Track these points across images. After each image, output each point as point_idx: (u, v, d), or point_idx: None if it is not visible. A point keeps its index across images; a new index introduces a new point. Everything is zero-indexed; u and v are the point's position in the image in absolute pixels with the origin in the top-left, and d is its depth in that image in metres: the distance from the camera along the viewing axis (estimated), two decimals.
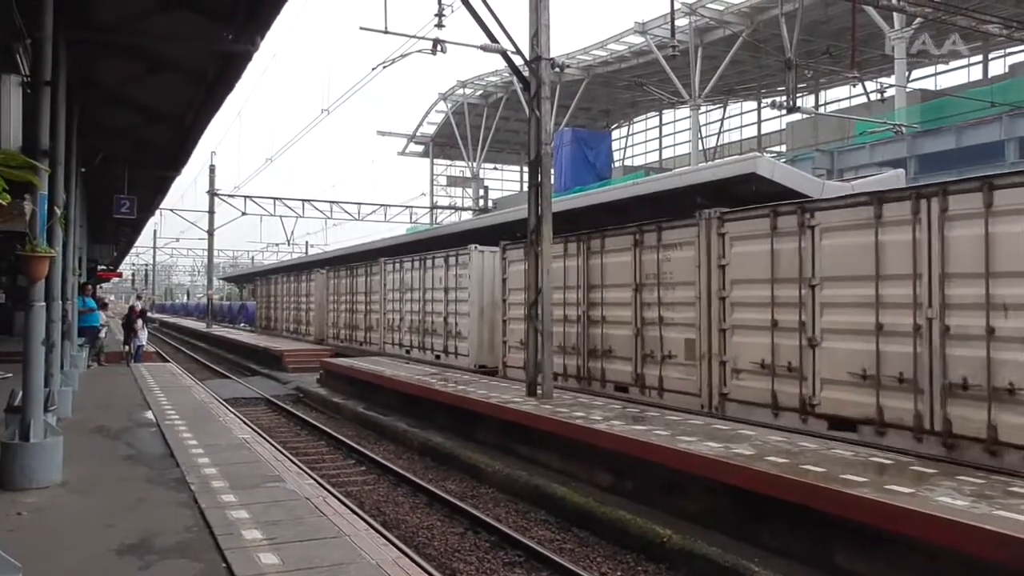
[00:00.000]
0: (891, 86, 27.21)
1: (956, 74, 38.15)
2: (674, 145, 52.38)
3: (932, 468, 6.76)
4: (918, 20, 24.99)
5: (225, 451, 7.98)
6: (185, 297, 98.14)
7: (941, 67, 38.79)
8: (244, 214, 37.83)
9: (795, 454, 7.31)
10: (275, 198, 39.00)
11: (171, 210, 39.20)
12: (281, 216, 40.47)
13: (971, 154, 23.02)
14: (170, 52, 9.69)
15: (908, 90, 28.90)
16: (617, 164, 48.31)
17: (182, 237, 59.90)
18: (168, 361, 23.78)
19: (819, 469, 6.67)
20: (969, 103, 23.85)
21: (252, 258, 77.82)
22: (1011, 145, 22.56)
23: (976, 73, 36.87)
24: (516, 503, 8.72)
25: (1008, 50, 33.29)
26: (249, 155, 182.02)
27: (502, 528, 7.59)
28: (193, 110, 11.90)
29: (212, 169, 36.42)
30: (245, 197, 37.94)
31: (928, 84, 36.96)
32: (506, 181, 61.93)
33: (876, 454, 7.37)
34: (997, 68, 34.96)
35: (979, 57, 36.92)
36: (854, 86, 38.52)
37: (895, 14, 25.95)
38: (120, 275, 56.71)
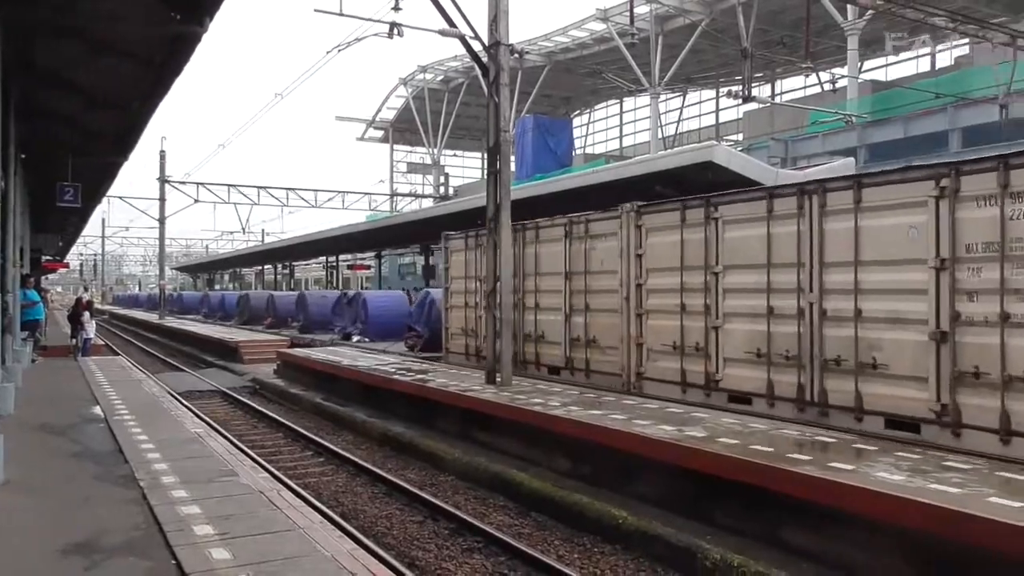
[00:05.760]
0: (843, 77, 27.73)
1: (905, 65, 38.98)
2: (634, 133, 52.71)
3: (873, 445, 6.96)
4: (870, 12, 25.45)
5: (177, 446, 7.82)
6: (136, 288, 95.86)
7: (891, 59, 39.61)
8: (197, 201, 36.99)
9: (745, 435, 7.46)
10: (229, 185, 38.20)
11: (120, 198, 38.17)
12: (236, 204, 39.70)
13: (918, 143, 23.57)
14: (115, 33, 9.35)
15: (860, 81, 29.47)
16: (578, 152, 48.43)
17: (132, 226, 58.55)
18: (118, 354, 23.24)
19: (768, 449, 6.80)
20: (917, 94, 24.42)
21: (206, 247, 76.38)
22: (955, 135, 23.16)
23: (924, 65, 37.73)
24: (475, 490, 8.72)
25: (955, 43, 34.09)
26: (201, 141, 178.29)
27: (461, 515, 7.60)
28: (140, 94, 11.54)
29: (162, 155, 35.53)
30: (198, 184, 37.09)
31: (879, 75, 37.76)
32: (467, 168, 61.69)
33: (822, 433, 7.58)
34: (945, 60, 35.82)
35: (927, 49, 37.77)
36: (808, 76, 39.11)
37: (848, 5, 26.39)
38: (67, 266, 55.23)
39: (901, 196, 7.70)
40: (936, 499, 5.22)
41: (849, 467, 6.15)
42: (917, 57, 38.16)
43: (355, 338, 22.68)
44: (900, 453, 6.64)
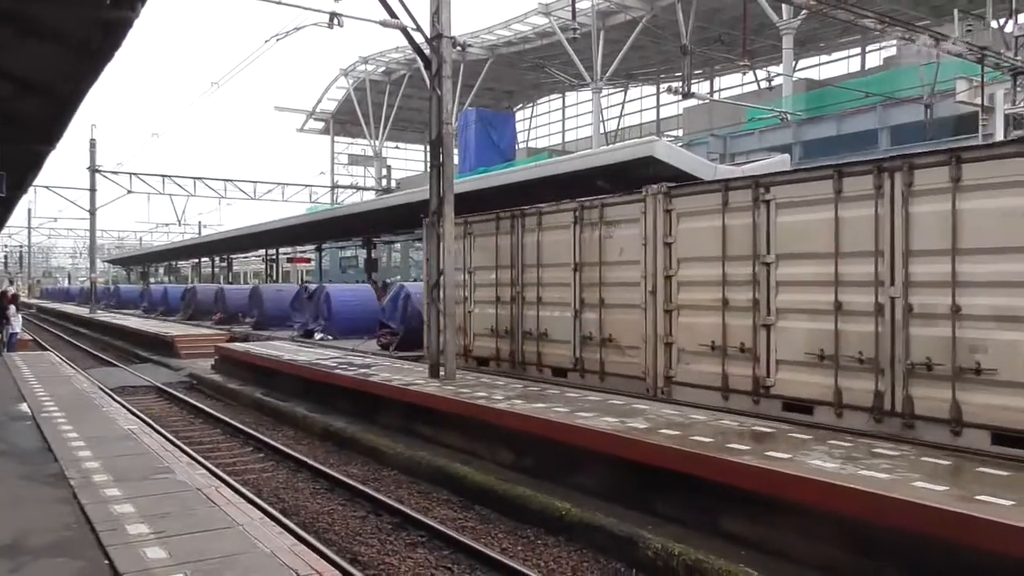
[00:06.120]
0: (778, 75, 28.47)
1: (837, 65, 40.29)
2: (577, 128, 53.13)
3: (807, 435, 7.20)
4: (804, 12, 26.15)
5: (109, 443, 7.59)
6: (66, 281, 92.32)
7: (824, 57, 40.87)
8: (130, 192, 35.79)
9: (686, 426, 7.62)
10: (164, 175, 37.08)
11: (47, 187, 36.68)
12: (171, 195, 38.54)
13: (850, 141, 24.38)
14: (42, 16, 8.96)
15: (794, 79, 30.30)
16: (521, 145, 48.59)
17: (61, 216, 56.39)
18: (47, 350, 22.37)
19: (707, 439, 6.97)
20: (848, 93, 25.24)
21: (140, 239, 74.09)
22: (884, 133, 24.04)
23: (855, 64, 39.03)
24: (419, 484, 8.71)
25: (883, 44, 35.34)
26: (135, 130, 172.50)
27: (404, 509, 7.58)
28: (69, 80, 11.08)
29: (92, 144, 34.24)
30: (131, 174, 35.89)
31: (812, 74, 38.88)
32: (410, 160, 61.23)
33: (757, 423, 7.80)
34: (875, 60, 37.10)
35: (857, 49, 39.10)
36: (745, 74, 40.04)
37: (783, 5, 27.06)
38: None
39: (1014, 173, 6.63)
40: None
41: (784, 455, 6.36)
42: (848, 57, 39.46)
43: (318, 335, 21.38)
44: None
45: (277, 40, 16.71)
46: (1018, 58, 18.88)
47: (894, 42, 29.69)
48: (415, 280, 35.16)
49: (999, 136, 16.84)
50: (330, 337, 20.98)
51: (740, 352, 8.75)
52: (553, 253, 11.63)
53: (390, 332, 17.88)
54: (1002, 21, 27.24)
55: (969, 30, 22.66)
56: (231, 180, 38.91)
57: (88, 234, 38.57)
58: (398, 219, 25.29)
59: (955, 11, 22.87)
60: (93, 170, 34.51)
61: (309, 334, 21.78)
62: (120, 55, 9.14)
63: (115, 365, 21.20)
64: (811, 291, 8.07)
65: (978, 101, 19.11)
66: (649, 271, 9.89)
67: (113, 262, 78.89)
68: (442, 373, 11.45)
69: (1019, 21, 20.68)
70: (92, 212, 35.57)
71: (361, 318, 20.87)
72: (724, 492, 6.26)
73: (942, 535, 4.90)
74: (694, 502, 6.57)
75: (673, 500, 6.76)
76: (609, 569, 6.20)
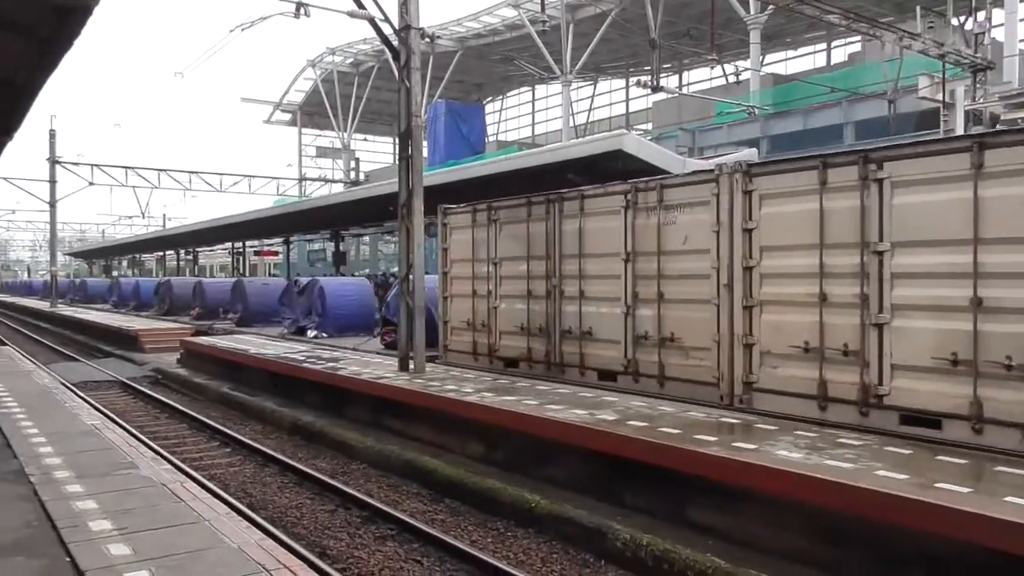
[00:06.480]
0: (746, 70, 28.76)
1: (804, 60, 40.80)
2: (547, 121, 53.17)
3: (772, 425, 7.31)
4: (771, 7, 26.45)
5: (71, 439, 7.44)
6: (26, 274, 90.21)
7: (791, 53, 41.36)
8: (91, 184, 35.09)
9: (654, 418, 7.68)
10: (127, 167, 36.41)
11: (5, 179, 35.80)
12: (134, 187, 37.86)
13: (816, 135, 24.74)
14: None
15: (762, 74, 30.63)
16: (491, 138, 48.52)
17: (19, 208, 55.15)
18: (5, 344, 21.85)
19: (675, 431, 7.04)
20: (815, 88, 25.59)
21: (103, 232, 72.69)
22: (849, 128, 24.43)
23: (821, 60, 39.55)
24: (388, 478, 8.68)
25: (848, 40, 35.87)
26: (96, 121, 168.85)
27: (373, 503, 7.55)
28: (26, 70, 10.81)
29: (52, 134, 33.48)
30: (92, 165, 35.19)
31: (780, 68, 39.34)
32: (379, 153, 60.78)
33: (725, 415, 7.89)
34: (840, 56, 37.64)
35: (823, 45, 39.63)
36: (713, 68, 40.33)
37: (751, 0, 27.35)
38: None
39: None
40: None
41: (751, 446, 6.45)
42: (815, 52, 39.96)
43: (311, 333, 19.79)
44: None
45: (243, 30, 16.47)
46: (978, 55, 19.30)
47: (859, 38, 30.15)
48: (385, 275, 34.92)
49: (959, 132, 17.19)
50: (325, 335, 19.52)
51: (843, 355, 7.48)
52: (599, 241, 10.35)
53: (395, 330, 15.77)
54: (962, 19, 27.78)
55: (931, 27, 23.08)
56: (196, 172, 38.36)
57: (48, 226, 37.73)
58: (367, 212, 25.15)
59: (918, 8, 23.27)
60: (53, 161, 33.76)
61: (301, 331, 20.39)
62: (80, 43, 8.91)
63: (77, 360, 20.80)
64: (939, 284, 6.91)
65: (940, 97, 19.52)
66: (723, 261, 8.57)
67: (75, 255, 77.31)
68: (412, 367, 11.41)
69: (978, 19, 21.09)
70: (52, 204, 34.80)
71: (358, 314, 19.78)
72: (692, 482, 6.33)
73: None
74: (663, 492, 6.62)
75: (643, 491, 6.82)
76: (578, 560, 6.25)
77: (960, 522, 4.73)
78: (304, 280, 22.35)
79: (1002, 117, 17.86)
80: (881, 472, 5.56)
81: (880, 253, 7.26)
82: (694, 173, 9.53)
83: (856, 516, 5.28)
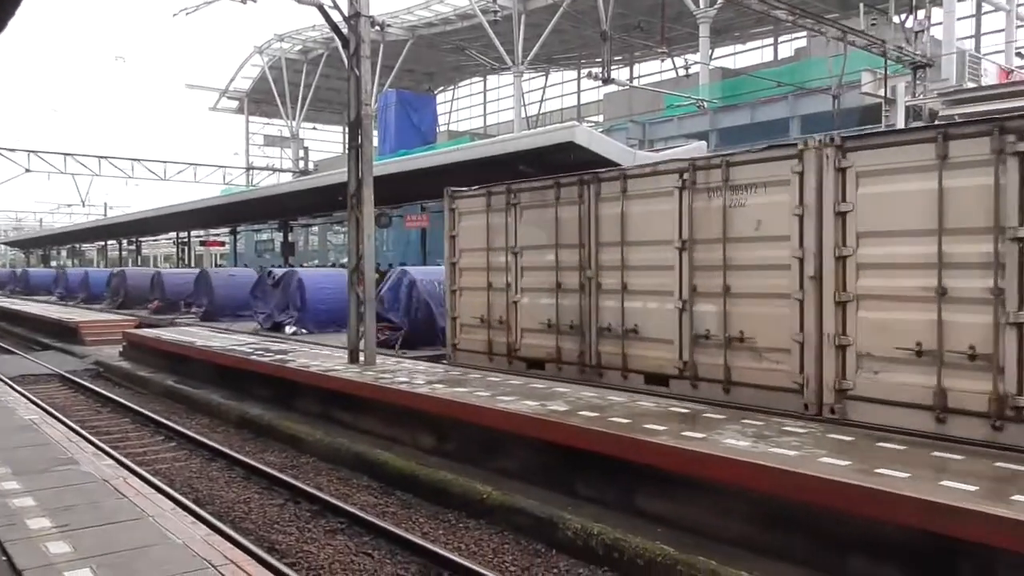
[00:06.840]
0: (695, 63, 29.14)
1: (752, 54, 41.53)
2: (498, 111, 53.10)
3: (722, 414, 7.45)
4: (720, 1, 26.85)
5: (7, 435, 7.21)
6: None
7: (739, 47, 42.05)
8: (28, 171, 33.85)
9: (604, 408, 7.77)
10: (66, 154, 35.22)
11: None
12: (74, 174, 36.66)
13: (764, 129, 25.22)
14: None
15: (711, 67, 31.07)
16: (442, 128, 48.19)
17: None
18: None
19: (625, 421, 7.14)
20: (762, 82, 26.07)
21: (40, 220, 70.26)
22: (795, 122, 24.97)
23: (769, 54, 40.30)
24: (338, 471, 8.61)
25: (794, 35, 36.62)
26: (33, 106, 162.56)
27: (323, 496, 7.49)
28: None
29: None
30: (29, 152, 33.95)
31: (728, 62, 39.97)
32: (328, 142, 59.94)
33: (674, 404, 8.00)
34: (786, 51, 38.40)
35: (770, 39, 40.40)
36: (664, 61, 40.77)
37: None
38: None
39: None
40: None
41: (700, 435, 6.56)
42: (763, 47, 40.70)
43: (289, 329, 18.02)
44: None
45: (187, 14, 16.04)
46: (917, 53, 19.92)
47: (804, 34, 30.82)
48: (335, 265, 34.49)
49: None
50: (304, 331, 17.85)
51: (968, 359, 6.43)
52: (645, 228, 9.21)
53: (390, 327, 15.06)
54: (903, 17, 28.61)
55: (873, 24, 23.77)
56: (139, 160, 37.34)
57: None
58: (317, 202, 24.79)
59: (861, 6, 23.90)
60: None
61: (278, 327, 18.61)
62: (14, 24, 8.59)
63: (14, 353, 20.09)
64: None
65: (882, 93, 20.10)
66: (809, 250, 7.49)
67: (11, 244, 74.58)
68: (362, 359, 11.32)
69: (918, 17, 21.76)
70: None
71: (339, 309, 17.02)
72: (642, 471, 6.43)
73: None
74: (613, 482, 6.72)
75: (593, 481, 6.90)
76: (529, 550, 6.30)
77: None
78: (279, 271, 20.56)
79: (940, 113, 18.48)
80: None
81: (1020, 240, 6.19)
82: (771, 147, 8.22)
83: None
